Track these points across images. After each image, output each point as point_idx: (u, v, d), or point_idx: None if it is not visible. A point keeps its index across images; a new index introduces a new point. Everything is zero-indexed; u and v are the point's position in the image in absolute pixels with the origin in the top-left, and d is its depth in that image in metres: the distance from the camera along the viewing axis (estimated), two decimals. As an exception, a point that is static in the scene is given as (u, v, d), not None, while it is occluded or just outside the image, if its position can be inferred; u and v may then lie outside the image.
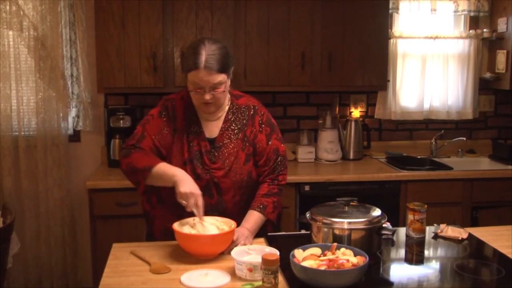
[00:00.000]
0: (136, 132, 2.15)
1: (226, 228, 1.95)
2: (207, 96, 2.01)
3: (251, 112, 2.19)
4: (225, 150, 2.12)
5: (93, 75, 3.51)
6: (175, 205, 2.00)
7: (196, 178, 2.07)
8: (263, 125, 2.18)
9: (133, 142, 2.12)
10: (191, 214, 1.98)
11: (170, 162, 2.08)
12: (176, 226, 1.95)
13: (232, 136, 2.14)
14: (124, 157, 2.10)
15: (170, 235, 2.03)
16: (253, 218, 2.08)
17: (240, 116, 2.17)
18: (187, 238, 1.90)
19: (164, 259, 1.93)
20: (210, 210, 2.09)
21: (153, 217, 2.23)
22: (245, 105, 2.20)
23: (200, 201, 1.95)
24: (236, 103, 2.19)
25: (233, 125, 2.16)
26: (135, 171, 2.04)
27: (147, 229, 2.31)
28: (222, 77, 2.00)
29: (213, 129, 2.15)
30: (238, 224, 2.04)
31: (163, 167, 2.02)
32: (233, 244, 1.96)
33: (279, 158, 2.18)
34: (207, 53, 1.97)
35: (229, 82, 2.08)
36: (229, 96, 2.19)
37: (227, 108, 2.18)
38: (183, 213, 2.00)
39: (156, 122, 2.14)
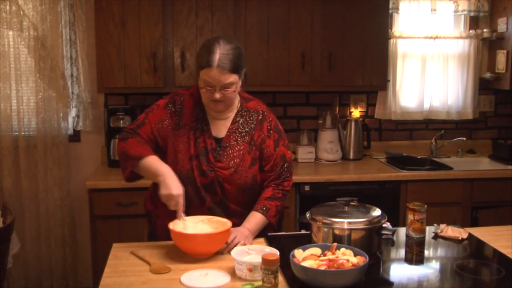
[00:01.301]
0: (139, 118, 2.18)
1: (220, 228, 1.96)
2: (217, 95, 2.01)
3: (260, 117, 2.19)
4: (230, 151, 2.12)
5: (93, 75, 3.51)
6: None
7: (201, 174, 2.08)
8: (271, 131, 2.19)
9: (133, 126, 2.15)
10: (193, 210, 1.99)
11: (176, 157, 2.09)
12: (171, 225, 1.96)
13: (239, 138, 2.14)
14: (120, 140, 2.14)
15: None
16: (255, 219, 2.09)
17: (248, 119, 2.17)
18: (182, 237, 1.91)
19: (164, 259, 1.93)
20: (214, 207, 2.11)
21: (156, 217, 2.23)
22: (254, 109, 2.20)
23: (180, 201, 1.97)
24: (245, 106, 2.19)
25: (241, 127, 2.16)
26: (126, 157, 2.08)
27: (148, 229, 2.31)
28: (233, 77, 2.01)
29: (220, 128, 2.15)
30: (242, 223, 2.06)
31: (151, 161, 2.03)
32: (231, 243, 1.96)
33: (285, 165, 2.20)
34: (221, 52, 1.98)
35: (240, 83, 2.08)
36: (239, 98, 2.19)
37: (236, 110, 2.18)
38: (187, 210, 2.01)
39: (160, 112, 2.15)
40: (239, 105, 2.18)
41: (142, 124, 2.14)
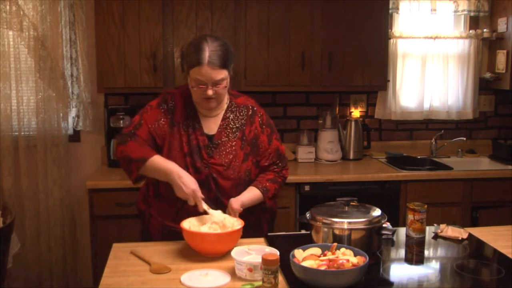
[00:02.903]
0: (134, 120, 2.18)
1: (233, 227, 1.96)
2: (210, 92, 2.03)
3: (250, 112, 2.21)
4: (222, 148, 2.14)
5: (93, 75, 3.51)
6: (172, 198, 2.02)
7: (195, 171, 2.09)
8: (264, 126, 2.21)
9: (130, 129, 2.14)
10: (190, 208, 1.99)
11: (170, 154, 2.09)
12: (185, 224, 1.96)
13: (230, 135, 2.16)
14: (119, 144, 2.13)
15: (167, 233, 2.03)
16: (252, 195, 2.11)
17: (238, 115, 2.19)
18: (194, 236, 1.92)
19: (164, 259, 1.93)
20: (209, 203, 2.11)
21: (149, 216, 2.23)
22: (243, 105, 2.22)
23: (199, 195, 1.98)
24: (234, 102, 2.22)
25: (232, 123, 2.18)
26: (129, 160, 2.07)
27: (142, 228, 2.31)
28: (224, 73, 2.03)
29: (211, 126, 2.17)
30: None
31: (158, 161, 2.04)
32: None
33: (281, 157, 2.24)
34: (210, 49, 2.00)
35: (229, 79, 2.10)
36: (228, 95, 2.21)
37: (225, 106, 2.19)
38: (181, 207, 2.01)
39: (154, 112, 2.16)
40: (228, 101, 2.21)
41: (139, 125, 2.14)
